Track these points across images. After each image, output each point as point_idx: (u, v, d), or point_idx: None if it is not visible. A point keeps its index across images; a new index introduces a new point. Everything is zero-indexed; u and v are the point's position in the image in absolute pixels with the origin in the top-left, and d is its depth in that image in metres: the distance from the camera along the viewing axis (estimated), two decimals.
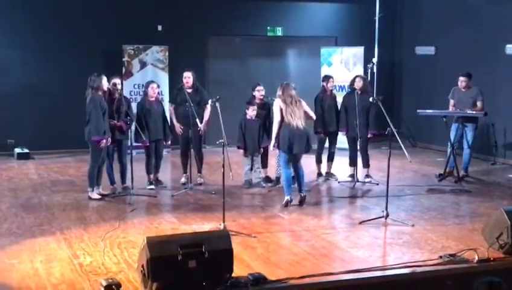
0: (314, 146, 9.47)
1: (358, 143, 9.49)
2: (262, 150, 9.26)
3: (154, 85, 9.18)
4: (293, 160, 8.21)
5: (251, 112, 9.12)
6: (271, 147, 8.45)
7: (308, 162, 10.07)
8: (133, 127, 8.79)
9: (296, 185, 8.26)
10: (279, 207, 8.08)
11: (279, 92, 8.17)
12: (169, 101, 9.82)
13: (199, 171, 9.40)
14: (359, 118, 9.24)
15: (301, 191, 8.19)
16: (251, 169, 9.24)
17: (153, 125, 8.98)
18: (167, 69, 12.47)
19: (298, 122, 8.00)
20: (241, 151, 9.23)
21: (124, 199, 8.40)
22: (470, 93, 9.90)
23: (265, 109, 9.27)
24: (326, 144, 9.90)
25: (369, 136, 9.49)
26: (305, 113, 8.24)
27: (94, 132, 8.13)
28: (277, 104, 8.14)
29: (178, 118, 9.27)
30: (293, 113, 8.00)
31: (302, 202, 8.11)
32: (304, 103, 8.28)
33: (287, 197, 8.08)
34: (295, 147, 8.02)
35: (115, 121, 8.48)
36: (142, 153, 9.37)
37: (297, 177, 8.24)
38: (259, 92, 9.24)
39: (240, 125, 9.17)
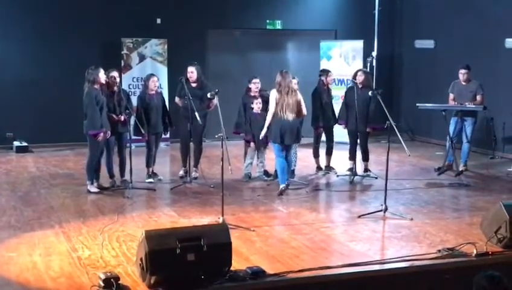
0: (309, 140, 9.47)
1: (358, 137, 9.49)
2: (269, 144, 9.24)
3: (155, 78, 9.14)
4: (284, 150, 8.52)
5: (256, 106, 9.09)
6: (261, 135, 8.65)
7: (306, 156, 10.10)
8: (132, 121, 8.78)
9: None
10: (278, 201, 8.10)
11: (277, 79, 8.31)
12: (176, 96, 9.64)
13: (195, 166, 9.35)
14: (359, 111, 9.22)
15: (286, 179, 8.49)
16: (251, 163, 9.24)
17: (154, 119, 8.94)
18: (166, 62, 12.43)
19: (289, 115, 8.25)
20: (249, 143, 9.23)
21: (122, 192, 8.41)
22: (470, 87, 9.88)
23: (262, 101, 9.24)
24: (323, 138, 9.87)
25: (368, 130, 9.48)
26: (299, 105, 8.35)
27: (90, 126, 8.13)
28: (273, 95, 8.34)
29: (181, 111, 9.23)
30: (286, 104, 8.23)
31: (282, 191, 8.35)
32: (300, 96, 8.42)
33: (282, 186, 8.29)
34: (286, 139, 8.33)
35: (116, 115, 8.45)
36: (141, 146, 9.35)
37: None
38: (254, 85, 9.23)
39: (246, 118, 9.16)
